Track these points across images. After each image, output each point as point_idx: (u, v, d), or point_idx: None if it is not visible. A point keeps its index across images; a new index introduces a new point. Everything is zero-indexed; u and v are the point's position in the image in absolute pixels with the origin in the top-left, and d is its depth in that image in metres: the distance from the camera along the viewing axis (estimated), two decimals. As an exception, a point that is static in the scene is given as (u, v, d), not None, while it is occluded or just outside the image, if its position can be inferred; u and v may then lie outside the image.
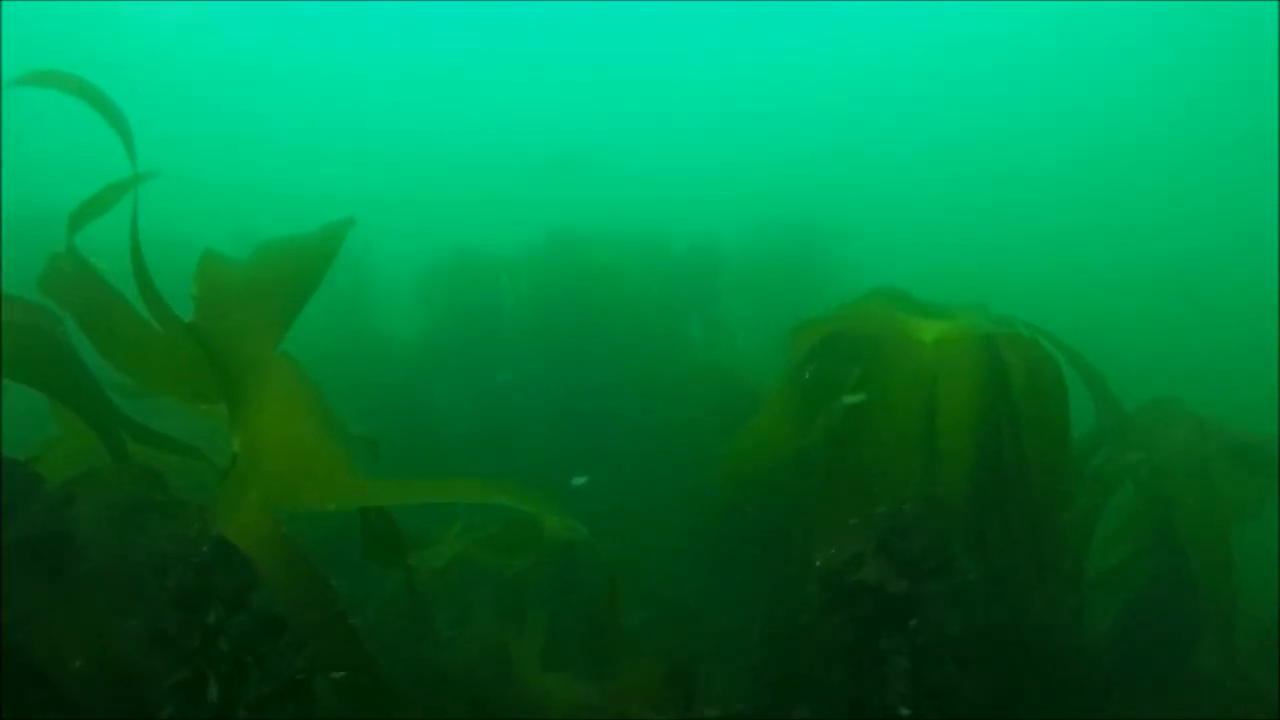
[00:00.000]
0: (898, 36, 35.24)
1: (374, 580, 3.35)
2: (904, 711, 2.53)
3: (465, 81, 37.71)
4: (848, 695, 2.59)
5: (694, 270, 7.89)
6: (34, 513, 2.18)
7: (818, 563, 2.70)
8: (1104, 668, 3.25)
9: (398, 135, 35.09)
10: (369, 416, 5.49)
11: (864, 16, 33.50)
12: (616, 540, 4.04)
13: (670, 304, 7.20)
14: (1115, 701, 3.10)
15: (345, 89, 37.09)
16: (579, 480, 4.16)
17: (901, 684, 2.58)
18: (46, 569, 2.24)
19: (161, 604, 2.29)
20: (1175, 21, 28.90)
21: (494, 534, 3.25)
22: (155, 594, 2.33)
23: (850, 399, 2.80)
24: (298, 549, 1.99)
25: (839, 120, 36.04)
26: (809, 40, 35.81)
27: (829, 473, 2.77)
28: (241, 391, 2.43)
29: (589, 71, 36.92)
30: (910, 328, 2.99)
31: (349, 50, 35.92)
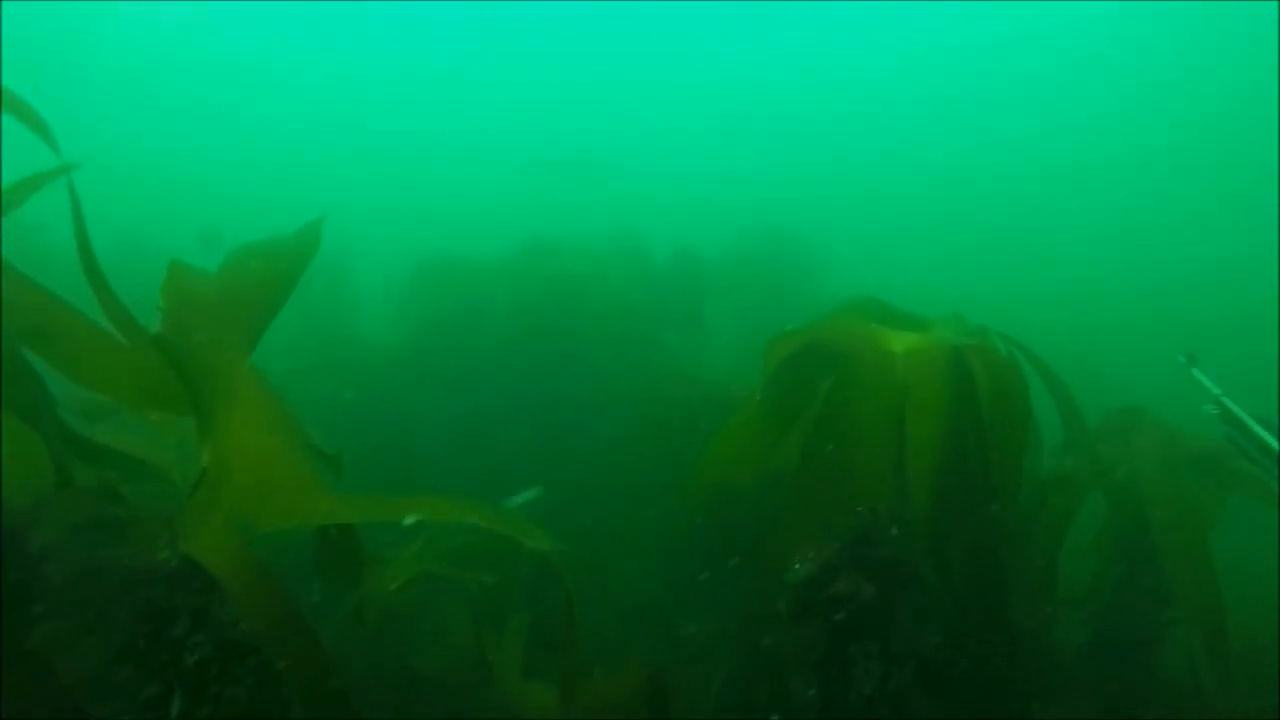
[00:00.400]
0: (892, 41, 35.35)
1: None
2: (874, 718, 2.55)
3: (461, 81, 37.49)
4: (819, 702, 2.61)
5: (675, 279, 7.92)
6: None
7: (792, 571, 2.72)
8: (1075, 676, 3.30)
9: (392, 135, 34.90)
10: (346, 423, 5.48)
11: (864, 18, 33.49)
12: (591, 548, 4.05)
13: (651, 313, 7.21)
14: (1086, 708, 3.14)
15: (340, 89, 36.80)
16: (528, 496, 4.16)
17: (872, 691, 2.60)
18: (9, 590, 2.21)
19: (127, 620, 2.28)
20: (1165, 31, 29.25)
21: (463, 546, 3.24)
22: (121, 610, 2.31)
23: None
24: (264, 567, 1.97)
25: (831, 123, 36.23)
26: (804, 42, 35.83)
27: (800, 482, 2.79)
28: (210, 406, 2.41)
29: (584, 71, 36.82)
30: (882, 340, 3.02)
31: (345, 50, 35.65)
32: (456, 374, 6.49)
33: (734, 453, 3.27)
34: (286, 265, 2.79)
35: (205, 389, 2.37)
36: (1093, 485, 3.38)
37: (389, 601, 2.95)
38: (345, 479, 2.95)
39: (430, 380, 6.53)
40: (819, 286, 9.58)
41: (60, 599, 2.35)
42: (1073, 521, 3.37)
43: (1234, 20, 25.23)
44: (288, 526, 2.15)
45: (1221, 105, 29.44)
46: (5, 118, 2.76)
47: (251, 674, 2.15)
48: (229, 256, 2.85)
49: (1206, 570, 3.13)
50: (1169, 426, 3.53)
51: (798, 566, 2.60)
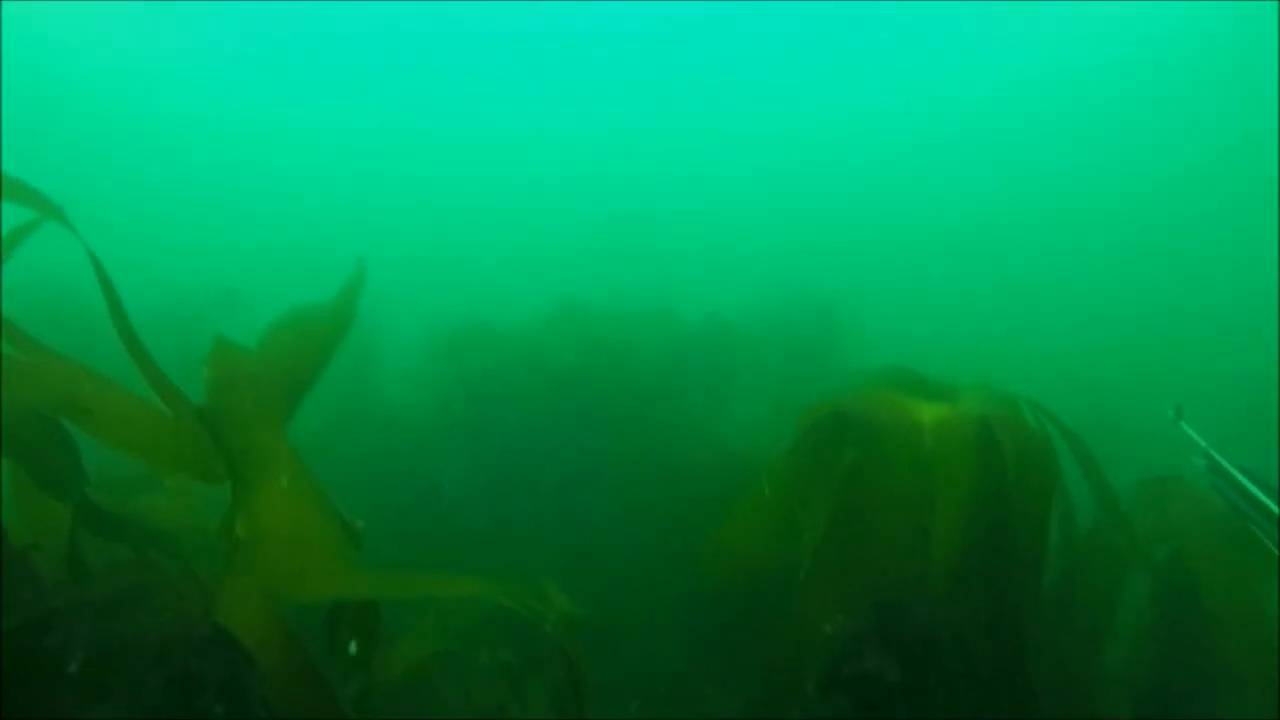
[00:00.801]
0: (910, 91, 35.50)
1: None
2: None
3: (485, 133, 37.80)
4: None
5: (703, 344, 7.98)
6: (25, 600, 2.20)
7: (819, 643, 2.69)
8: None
9: (422, 189, 35.38)
10: (370, 486, 5.53)
11: (879, 69, 33.70)
12: (611, 614, 4.03)
13: (677, 379, 7.26)
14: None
15: (360, 142, 37.20)
16: None
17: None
18: (41, 657, 2.24)
19: (156, 688, 2.30)
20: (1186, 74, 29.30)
21: (481, 620, 3.24)
22: (151, 679, 2.33)
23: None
24: (296, 639, 2.00)
25: (857, 178, 36.42)
26: (829, 94, 36.06)
27: (824, 552, 2.77)
28: (247, 477, 2.47)
29: (604, 123, 37.08)
30: (909, 410, 3.03)
31: (361, 104, 35.91)
32: (481, 439, 6.54)
33: (755, 519, 3.25)
34: (322, 337, 2.89)
35: (243, 460, 2.44)
36: (1132, 563, 3.30)
37: (410, 674, 2.94)
38: (370, 544, 2.99)
39: (455, 445, 6.59)
40: (847, 343, 9.61)
41: (88, 666, 2.37)
42: (1116, 603, 3.28)
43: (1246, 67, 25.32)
44: (318, 600, 2.17)
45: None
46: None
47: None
48: (268, 330, 2.95)
49: (1272, 654, 3.02)
50: (1203, 495, 3.46)
51: (827, 636, 2.56)
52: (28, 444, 2.54)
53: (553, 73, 33.64)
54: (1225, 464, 2.72)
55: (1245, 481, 2.59)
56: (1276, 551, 2.38)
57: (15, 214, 2.85)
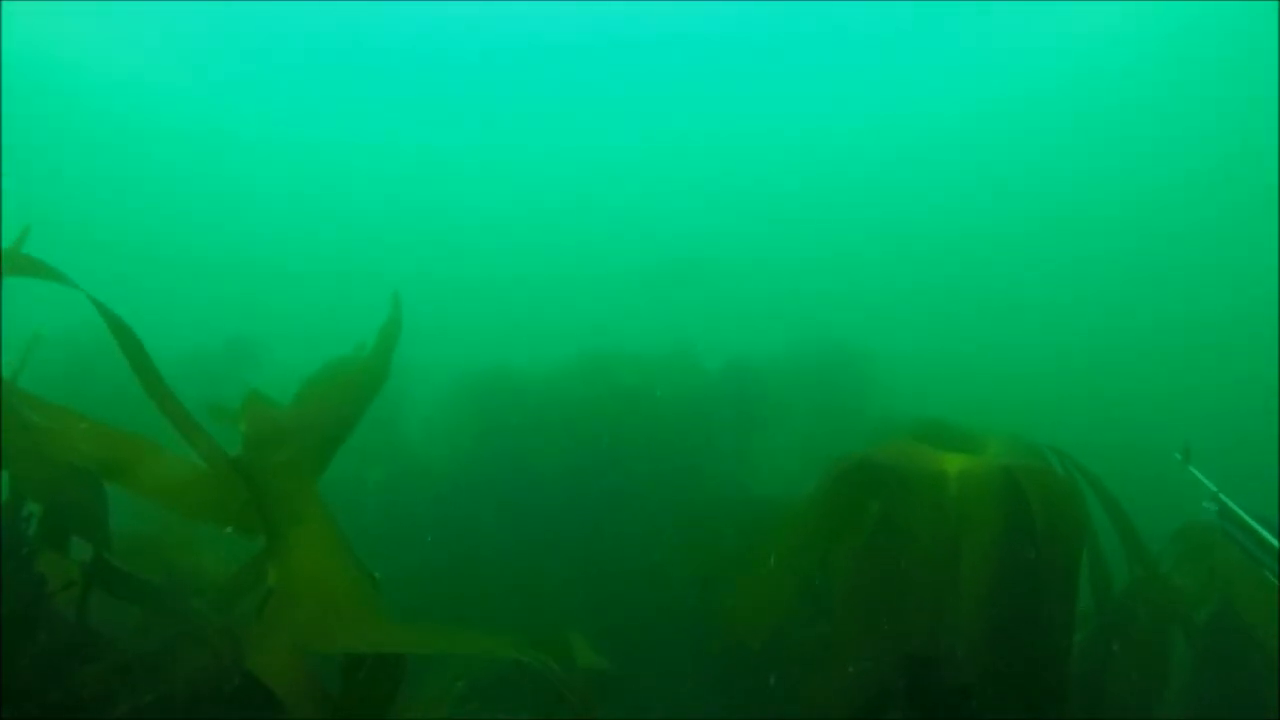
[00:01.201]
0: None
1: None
2: None
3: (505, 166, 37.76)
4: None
5: (726, 392, 7.98)
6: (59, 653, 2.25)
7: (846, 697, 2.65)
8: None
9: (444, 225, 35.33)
10: (397, 537, 5.56)
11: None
12: (634, 667, 4.00)
13: (700, 426, 7.25)
14: None
15: (380, 163, 37.06)
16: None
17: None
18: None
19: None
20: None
21: (501, 677, 3.23)
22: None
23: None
24: (327, 693, 2.02)
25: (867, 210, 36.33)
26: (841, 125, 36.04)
27: (850, 602, 2.76)
28: (280, 527, 2.52)
29: (617, 153, 36.97)
30: (935, 461, 3.02)
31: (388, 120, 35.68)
32: (505, 489, 6.57)
33: (779, 570, 3.24)
34: (357, 393, 2.96)
35: (277, 511, 2.49)
36: (1169, 619, 3.22)
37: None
38: (395, 592, 3.01)
39: (479, 494, 6.62)
40: (873, 387, 9.56)
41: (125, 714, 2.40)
42: (1163, 666, 3.17)
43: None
44: (350, 652, 2.19)
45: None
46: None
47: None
48: (303, 386, 3.02)
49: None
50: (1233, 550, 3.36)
51: (853, 689, 2.53)
52: (62, 502, 2.62)
53: (543, 89, 33.31)
54: (1236, 509, 2.66)
55: (1257, 526, 2.54)
56: None
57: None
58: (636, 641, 4.52)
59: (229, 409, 3.08)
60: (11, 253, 2.83)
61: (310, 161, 36.89)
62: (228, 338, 10.13)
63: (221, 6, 23.35)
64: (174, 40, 25.36)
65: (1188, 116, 29.62)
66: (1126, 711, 3.01)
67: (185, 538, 3.72)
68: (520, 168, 37.49)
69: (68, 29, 24.15)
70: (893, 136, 36.20)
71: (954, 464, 2.96)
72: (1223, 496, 2.75)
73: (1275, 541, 2.51)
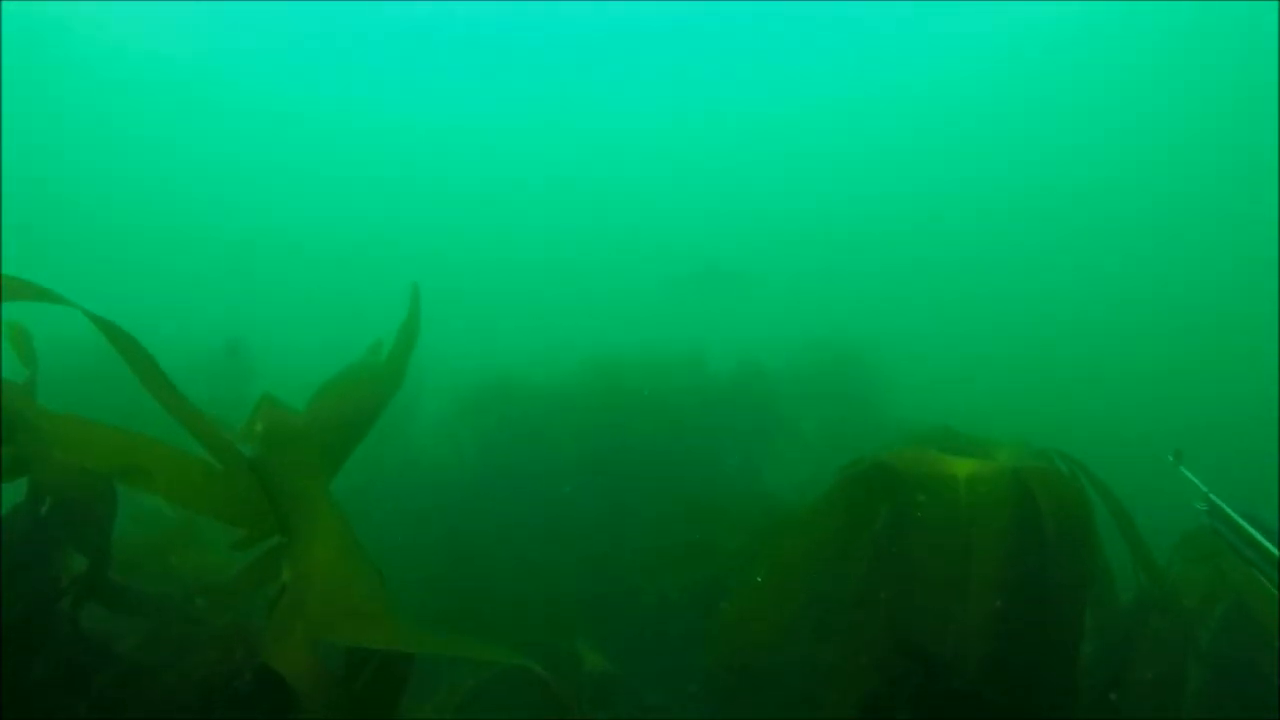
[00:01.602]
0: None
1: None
2: None
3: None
4: None
5: (738, 396, 7.98)
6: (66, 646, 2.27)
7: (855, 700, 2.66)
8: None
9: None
10: (407, 539, 5.58)
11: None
12: (642, 673, 4.00)
13: (711, 432, 7.26)
14: None
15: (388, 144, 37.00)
16: None
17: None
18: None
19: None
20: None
21: (506, 683, 3.24)
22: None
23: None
24: (342, 685, 2.04)
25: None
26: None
27: (860, 604, 2.77)
28: (295, 525, 2.55)
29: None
30: (944, 465, 3.04)
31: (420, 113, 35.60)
32: (515, 494, 6.59)
33: (787, 572, 3.24)
34: (371, 398, 2.99)
35: (292, 510, 2.51)
36: (1179, 626, 3.21)
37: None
38: (404, 594, 3.03)
39: (486, 498, 6.64)
40: (885, 395, 9.58)
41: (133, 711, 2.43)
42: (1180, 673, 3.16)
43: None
44: (360, 645, 2.22)
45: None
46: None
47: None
48: (319, 390, 3.06)
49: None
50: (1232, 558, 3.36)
51: (862, 694, 2.54)
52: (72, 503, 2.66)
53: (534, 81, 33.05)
54: (1227, 509, 2.67)
55: (1248, 527, 2.55)
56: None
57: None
58: (644, 646, 4.53)
59: (239, 411, 3.12)
60: (7, 279, 2.84)
61: (311, 140, 36.75)
62: (228, 339, 10.18)
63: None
64: (173, 11, 25.33)
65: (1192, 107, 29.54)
66: (1142, 715, 3.01)
67: (186, 540, 3.76)
68: (512, 154, 37.26)
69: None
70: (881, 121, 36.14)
71: (964, 468, 2.97)
72: (1213, 496, 2.77)
73: (1261, 539, 2.52)
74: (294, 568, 2.39)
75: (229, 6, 25.20)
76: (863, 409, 8.97)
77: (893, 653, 2.61)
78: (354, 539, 2.74)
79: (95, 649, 2.67)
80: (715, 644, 3.45)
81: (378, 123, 35.64)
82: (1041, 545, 2.67)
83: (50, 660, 2.59)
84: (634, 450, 6.66)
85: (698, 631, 4.26)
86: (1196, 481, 2.88)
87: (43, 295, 2.81)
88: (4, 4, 22.73)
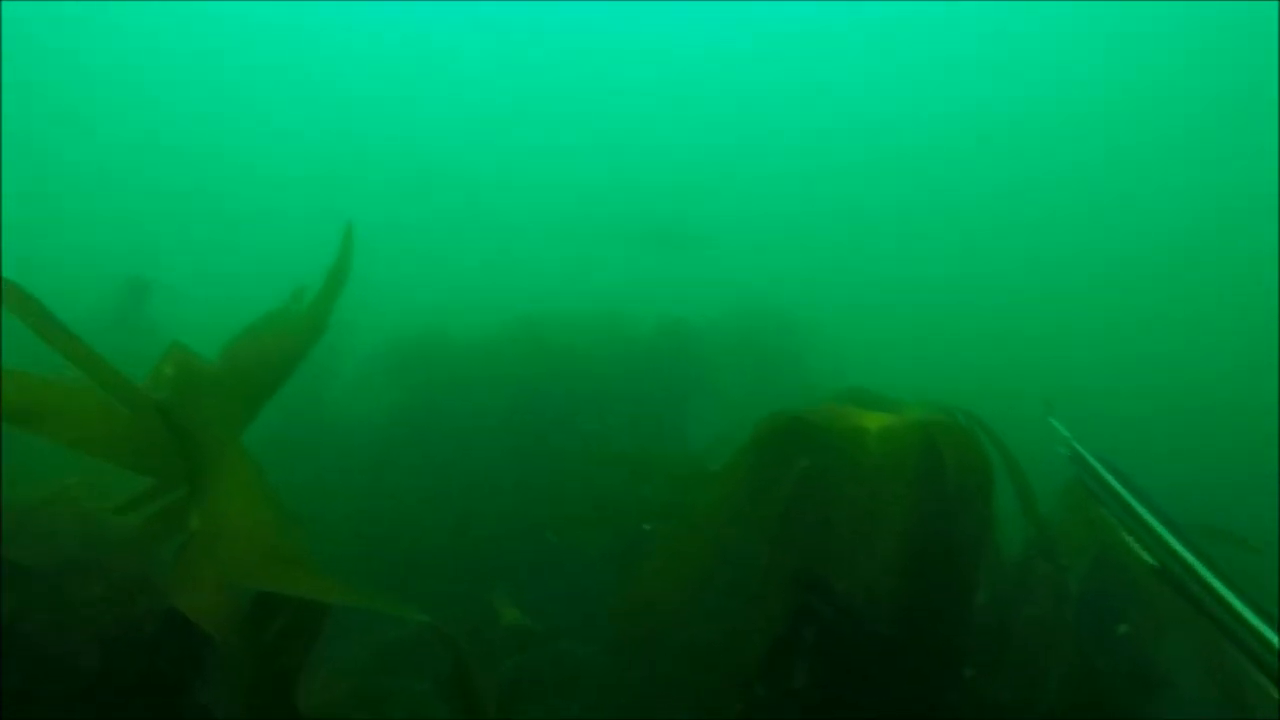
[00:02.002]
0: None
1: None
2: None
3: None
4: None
5: (664, 352, 8.07)
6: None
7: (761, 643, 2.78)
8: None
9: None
10: (325, 496, 5.49)
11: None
12: (558, 627, 4.08)
13: (638, 386, 7.32)
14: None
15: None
16: None
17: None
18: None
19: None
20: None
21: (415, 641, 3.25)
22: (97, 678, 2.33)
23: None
24: (259, 624, 2.02)
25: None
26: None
27: (773, 554, 2.89)
28: (204, 474, 2.48)
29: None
30: (858, 418, 3.17)
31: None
32: (437, 449, 6.54)
33: (706, 522, 3.34)
34: (290, 348, 2.92)
35: (203, 457, 2.45)
36: (1061, 570, 3.47)
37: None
38: (321, 550, 2.99)
39: (410, 454, 6.57)
40: (807, 358, 9.84)
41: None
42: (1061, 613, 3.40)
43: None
44: (274, 589, 2.19)
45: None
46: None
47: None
48: (233, 339, 2.96)
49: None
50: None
51: (768, 636, 2.67)
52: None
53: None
54: (1084, 453, 2.90)
55: (1100, 469, 2.77)
56: (1125, 533, 2.52)
57: None
58: (563, 597, 4.59)
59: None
60: None
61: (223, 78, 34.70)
62: (127, 279, 9.52)
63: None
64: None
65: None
66: (1028, 656, 3.24)
67: (83, 492, 3.61)
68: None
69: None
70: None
71: (876, 421, 3.11)
72: (1074, 442, 2.98)
73: (1112, 480, 2.73)
74: (204, 513, 2.33)
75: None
76: (787, 371, 9.20)
77: (802, 594, 2.73)
78: (268, 486, 2.69)
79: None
80: (627, 598, 3.52)
81: (307, 54, 34.02)
82: (944, 494, 2.83)
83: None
84: (557, 406, 6.67)
85: (614, 583, 4.35)
86: (1062, 429, 3.10)
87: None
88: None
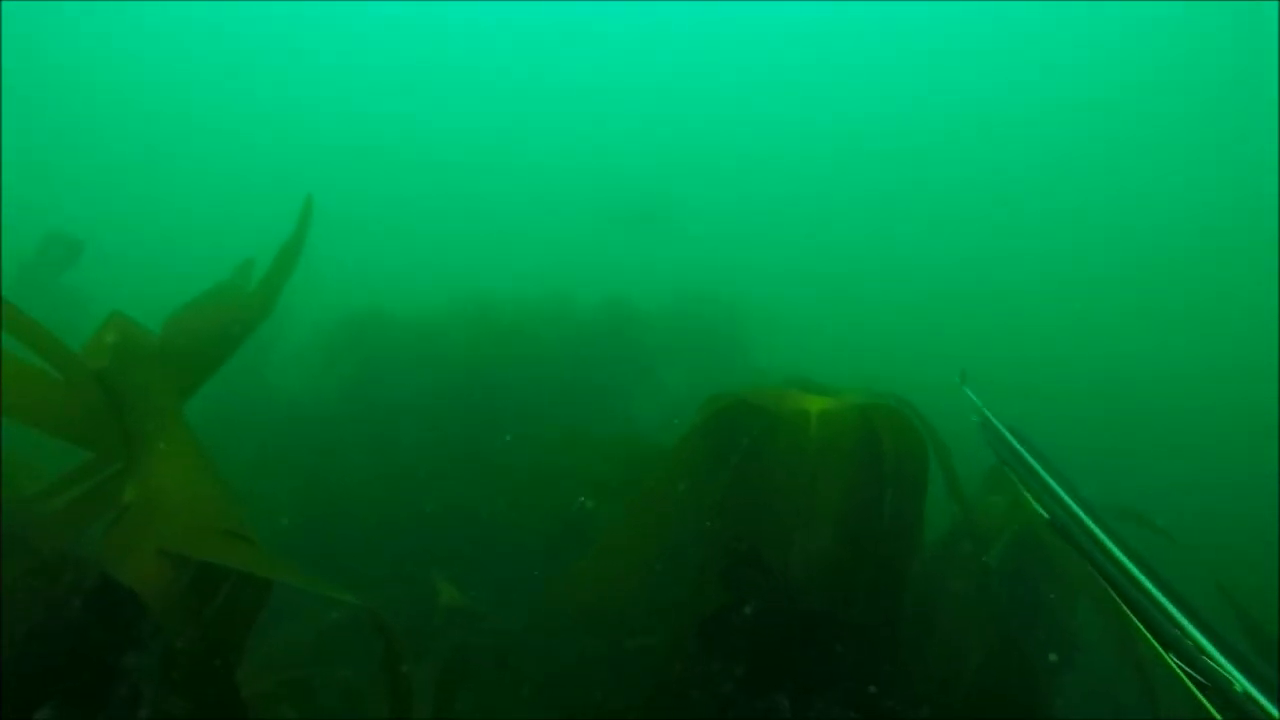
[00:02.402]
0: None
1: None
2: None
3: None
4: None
5: (608, 331, 8.10)
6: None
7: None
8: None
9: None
10: (265, 474, 5.39)
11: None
12: (499, 607, 4.10)
13: (582, 365, 7.35)
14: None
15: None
16: None
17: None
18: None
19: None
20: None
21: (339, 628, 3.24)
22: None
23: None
24: (197, 590, 2.00)
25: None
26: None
27: (712, 531, 2.97)
28: (140, 445, 2.43)
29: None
30: (799, 401, 3.27)
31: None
32: (379, 428, 6.47)
33: (651, 502, 3.41)
34: (235, 324, 2.86)
35: (141, 427, 2.40)
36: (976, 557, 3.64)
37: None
38: (261, 530, 2.95)
39: (351, 433, 6.49)
40: (750, 346, 9.99)
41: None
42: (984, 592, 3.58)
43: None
44: (213, 559, 2.17)
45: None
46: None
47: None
48: (176, 312, 2.89)
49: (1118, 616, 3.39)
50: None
51: (711, 607, 2.75)
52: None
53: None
54: (995, 422, 3.06)
55: (1010, 437, 2.93)
56: (1033, 501, 2.66)
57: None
58: (504, 576, 4.61)
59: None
60: None
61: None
62: (47, 236, 8.97)
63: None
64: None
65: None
66: (953, 628, 3.40)
67: (33, 468, 3.48)
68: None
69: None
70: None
71: (817, 404, 3.22)
72: (986, 411, 3.14)
73: (1018, 446, 2.88)
74: (141, 484, 2.29)
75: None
76: (730, 357, 9.34)
77: (742, 570, 2.81)
78: (209, 460, 2.64)
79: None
80: (571, 574, 3.55)
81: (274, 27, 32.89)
82: (881, 473, 2.95)
83: None
84: (503, 386, 6.66)
85: (556, 561, 4.39)
86: (974, 398, 3.26)
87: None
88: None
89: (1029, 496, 2.57)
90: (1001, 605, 3.49)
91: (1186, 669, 1.65)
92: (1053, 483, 2.57)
